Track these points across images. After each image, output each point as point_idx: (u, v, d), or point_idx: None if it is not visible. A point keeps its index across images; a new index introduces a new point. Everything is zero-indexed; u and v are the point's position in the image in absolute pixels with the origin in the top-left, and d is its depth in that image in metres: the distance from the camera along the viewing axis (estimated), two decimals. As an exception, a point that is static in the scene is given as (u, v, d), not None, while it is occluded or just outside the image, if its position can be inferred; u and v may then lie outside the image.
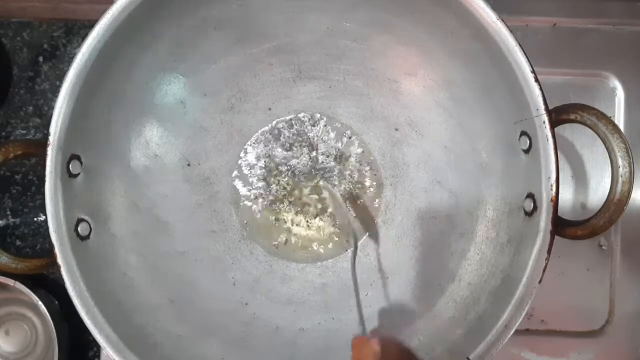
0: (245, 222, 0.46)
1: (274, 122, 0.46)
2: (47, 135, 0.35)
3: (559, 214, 0.35)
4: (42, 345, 0.50)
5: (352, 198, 0.47)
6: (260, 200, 0.46)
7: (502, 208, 0.40)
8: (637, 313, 0.49)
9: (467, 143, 0.42)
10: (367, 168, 0.46)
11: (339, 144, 0.46)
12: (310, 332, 0.44)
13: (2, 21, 0.51)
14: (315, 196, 0.47)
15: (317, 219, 0.47)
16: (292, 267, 0.46)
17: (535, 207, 0.36)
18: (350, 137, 0.46)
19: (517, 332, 0.35)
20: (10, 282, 0.45)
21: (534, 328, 0.49)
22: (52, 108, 0.36)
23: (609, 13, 0.50)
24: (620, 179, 0.34)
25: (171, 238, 0.44)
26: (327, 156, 0.47)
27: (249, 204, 0.46)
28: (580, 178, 0.50)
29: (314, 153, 0.46)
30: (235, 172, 0.46)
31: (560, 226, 0.35)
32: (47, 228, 0.36)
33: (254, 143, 0.46)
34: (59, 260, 0.35)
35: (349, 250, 0.46)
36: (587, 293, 0.49)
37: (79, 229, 0.37)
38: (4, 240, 0.51)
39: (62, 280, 0.35)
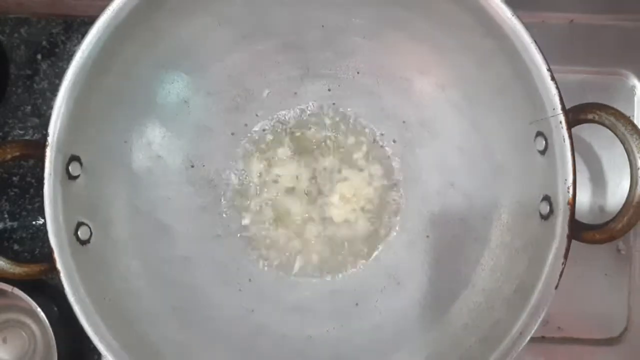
0: (251, 226, 0.46)
1: (281, 121, 0.46)
2: (45, 135, 0.35)
3: (576, 217, 0.34)
4: (41, 353, 0.49)
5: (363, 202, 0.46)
6: (267, 203, 0.46)
7: (517, 211, 0.40)
8: (657, 320, 0.49)
9: (481, 144, 0.42)
10: (380, 170, 0.46)
11: (349, 145, 0.46)
12: (318, 340, 0.43)
13: (-1, 17, 0.50)
14: (325, 199, 0.46)
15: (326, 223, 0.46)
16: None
17: (551, 211, 0.35)
18: (360, 137, 0.46)
19: (532, 339, 0.35)
20: (8, 287, 0.45)
21: (550, 335, 0.49)
22: (51, 107, 0.35)
23: (628, 9, 0.49)
24: (639, 181, 0.33)
25: (174, 242, 0.43)
26: (339, 157, 0.46)
27: (256, 207, 0.46)
28: (598, 180, 0.49)
29: (323, 152, 0.46)
30: (240, 174, 0.46)
31: (578, 230, 0.35)
32: (46, 232, 0.35)
33: (260, 143, 0.46)
34: (59, 265, 0.35)
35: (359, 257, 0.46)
36: (605, 299, 0.49)
37: (79, 233, 0.37)
38: (1, 245, 0.50)
39: (62, 286, 0.35)
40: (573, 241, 0.34)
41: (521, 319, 0.35)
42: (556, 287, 0.34)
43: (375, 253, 0.46)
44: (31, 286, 0.46)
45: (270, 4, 0.41)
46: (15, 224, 0.50)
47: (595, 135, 0.48)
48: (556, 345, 0.49)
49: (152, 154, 0.43)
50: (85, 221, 0.38)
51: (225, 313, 0.43)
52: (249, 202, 0.46)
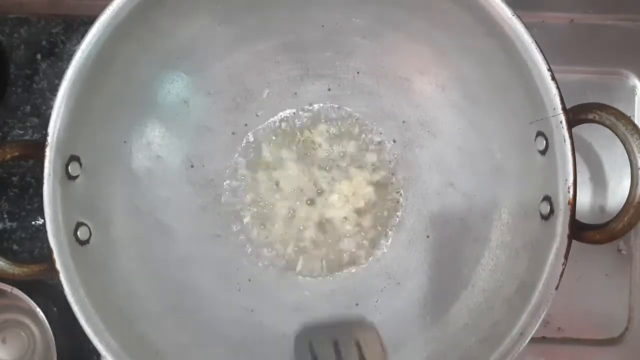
0: (251, 225, 0.46)
1: (281, 121, 0.46)
2: (45, 135, 0.35)
3: (577, 217, 0.34)
4: (41, 353, 0.49)
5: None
6: (267, 203, 0.46)
7: (518, 211, 0.39)
8: (658, 320, 0.49)
9: (481, 144, 0.42)
10: (380, 170, 0.46)
11: (349, 144, 0.46)
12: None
13: (-1, 17, 0.50)
14: (324, 198, 0.46)
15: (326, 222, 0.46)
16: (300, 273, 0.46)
17: (551, 211, 0.35)
18: (360, 137, 0.46)
19: (532, 340, 0.34)
20: (7, 288, 0.45)
21: (551, 336, 0.49)
22: (50, 107, 0.35)
23: (628, 9, 0.49)
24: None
25: (174, 243, 0.43)
26: (339, 156, 0.46)
27: (256, 207, 0.46)
28: (599, 180, 0.49)
29: (322, 152, 0.46)
30: (240, 174, 0.46)
31: (578, 230, 0.34)
32: (46, 232, 0.35)
33: (260, 143, 0.46)
34: (58, 265, 0.35)
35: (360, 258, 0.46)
36: (606, 299, 0.49)
37: (78, 233, 0.37)
38: (0, 245, 0.50)
39: (61, 286, 0.35)
40: (573, 241, 0.34)
41: (521, 319, 0.35)
42: (557, 288, 0.34)
43: (375, 253, 0.46)
44: (30, 286, 0.46)
45: (270, 4, 0.41)
46: (14, 224, 0.50)
47: (595, 135, 0.48)
48: (557, 346, 0.48)
49: (152, 154, 0.43)
50: (85, 221, 0.37)
51: (225, 313, 0.43)
52: (249, 201, 0.46)
